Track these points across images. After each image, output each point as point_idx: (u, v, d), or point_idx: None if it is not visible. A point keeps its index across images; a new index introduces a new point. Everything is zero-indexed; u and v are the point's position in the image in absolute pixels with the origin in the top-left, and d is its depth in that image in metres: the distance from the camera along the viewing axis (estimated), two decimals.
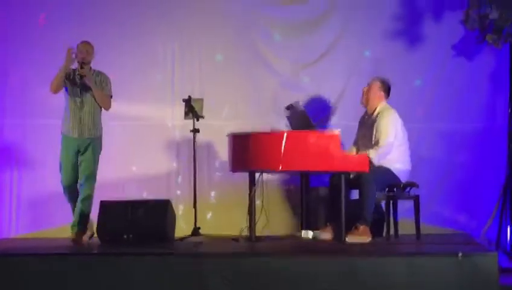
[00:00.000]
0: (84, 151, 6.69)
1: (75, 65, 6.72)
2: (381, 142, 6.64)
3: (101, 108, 6.80)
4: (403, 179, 6.76)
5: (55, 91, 6.69)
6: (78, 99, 6.70)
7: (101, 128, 6.84)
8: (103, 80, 6.80)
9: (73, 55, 6.58)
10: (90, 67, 6.77)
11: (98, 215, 6.52)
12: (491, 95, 7.77)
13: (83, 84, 6.67)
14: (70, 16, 7.81)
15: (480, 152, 7.75)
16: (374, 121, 6.79)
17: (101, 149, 6.82)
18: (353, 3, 7.88)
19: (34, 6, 7.85)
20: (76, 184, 6.73)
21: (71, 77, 6.69)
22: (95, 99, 6.70)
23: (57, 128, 6.99)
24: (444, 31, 7.75)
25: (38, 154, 7.76)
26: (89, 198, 6.66)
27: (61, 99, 6.96)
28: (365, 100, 6.90)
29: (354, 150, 6.98)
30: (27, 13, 7.84)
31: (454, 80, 7.77)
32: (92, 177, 6.68)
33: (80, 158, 6.70)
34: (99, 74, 6.82)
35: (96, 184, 6.92)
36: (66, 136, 6.75)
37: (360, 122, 7.05)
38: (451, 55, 7.77)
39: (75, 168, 6.72)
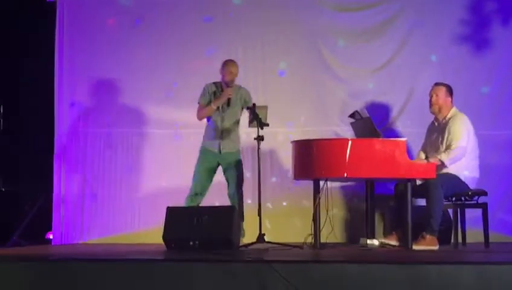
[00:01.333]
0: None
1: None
2: (454, 145, 6.55)
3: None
4: (471, 186, 6.65)
5: (202, 119, 7.11)
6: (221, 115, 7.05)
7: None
8: (245, 95, 7.12)
9: (226, 98, 6.96)
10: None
11: (165, 221, 6.56)
12: None
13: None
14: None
15: None
16: (445, 126, 6.69)
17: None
18: (419, 8, 7.83)
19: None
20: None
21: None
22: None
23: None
24: None
25: (104, 162, 7.93)
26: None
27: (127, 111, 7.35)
28: (437, 108, 6.80)
29: (422, 156, 6.90)
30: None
31: None
32: None
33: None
34: (239, 89, 7.13)
35: (162, 190, 7.41)
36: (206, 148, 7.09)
37: (429, 128, 6.96)
38: None
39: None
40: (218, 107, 7.04)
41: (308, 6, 7.95)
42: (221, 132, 7.07)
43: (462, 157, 6.56)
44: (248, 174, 7.52)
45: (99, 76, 8.07)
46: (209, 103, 7.06)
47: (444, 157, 6.52)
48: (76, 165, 8.00)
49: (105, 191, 7.96)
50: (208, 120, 7.15)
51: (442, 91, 6.81)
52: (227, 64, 7.06)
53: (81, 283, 5.33)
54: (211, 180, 7.12)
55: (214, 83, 7.15)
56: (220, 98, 7.02)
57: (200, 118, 7.14)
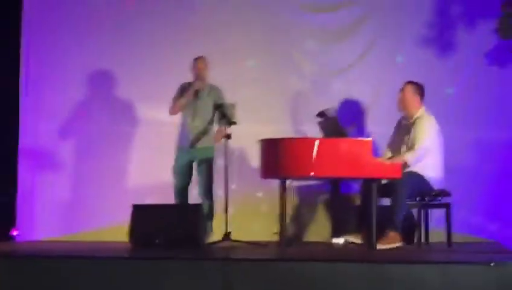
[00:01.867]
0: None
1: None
2: (416, 146, 6.63)
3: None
4: (435, 186, 6.74)
5: (175, 114, 7.21)
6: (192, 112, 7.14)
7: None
8: (215, 93, 7.22)
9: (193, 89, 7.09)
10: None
11: (130, 219, 6.56)
12: None
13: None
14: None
15: None
16: (411, 126, 6.77)
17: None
18: (386, 9, 7.89)
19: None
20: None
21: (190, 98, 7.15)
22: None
23: (85, 132, 7.61)
24: (477, 39, 7.71)
25: (70, 159, 7.91)
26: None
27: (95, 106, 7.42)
28: (402, 106, 6.89)
29: (388, 153, 6.97)
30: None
31: (487, 89, 7.73)
32: None
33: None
34: (210, 86, 7.23)
35: (129, 187, 7.45)
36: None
37: (396, 126, 7.03)
38: (484, 63, 7.73)
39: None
40: (190, 105, 7.10)
41: (277, 5, 7.99)
42: (192, 129, 7.12)
43: (425, 157, 6.64)
44: (217, 172, 7.52)
45: (67, 71, 8.02)
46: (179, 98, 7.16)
47: (407, 157, 6.59)
48: (42, 162, 7.96)
49: (71, 188, 7.93)
50: (182, 118, 7.21)
51: (408, 89, 6.89)
52: (195, 60, 7.19)
53: (46, 280, 5.32)
54: (190, 178, 7.19)
55: (188, 82, 7.23)
56: (188, 90, 7.05)
57: (172, 113, 7.19)
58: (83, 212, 7.90)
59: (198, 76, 7.13)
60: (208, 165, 7.15)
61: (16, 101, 7.99)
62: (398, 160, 6.58)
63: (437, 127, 6.77)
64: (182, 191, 7.17)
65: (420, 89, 6.89)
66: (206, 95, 7.15)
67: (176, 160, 7.22)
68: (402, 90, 6.89)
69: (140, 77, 7.98)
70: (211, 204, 7.12)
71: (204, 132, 7.17)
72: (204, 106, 7.12)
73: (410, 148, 6.67)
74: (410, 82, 6.92)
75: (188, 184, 7.21)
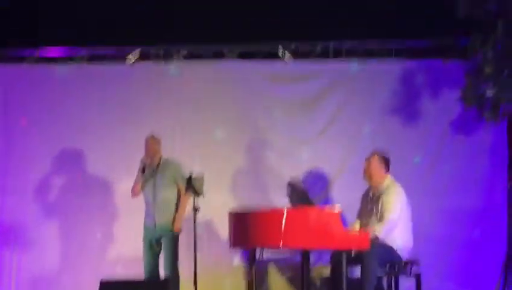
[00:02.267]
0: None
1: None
2: (386, 218, 6.62)
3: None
4: (405, 256, 6.72)
5: (136, 195, 7.24)
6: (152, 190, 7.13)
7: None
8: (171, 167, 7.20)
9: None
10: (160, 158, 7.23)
11: None
12: (490, 171, 7.81)
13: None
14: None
15: (481, 228, 7.76)
16: (379, 196, 6.78)
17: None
18: (352, 80, 7.98)
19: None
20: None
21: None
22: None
23: (55, 209, 7.47)
24: (442, 108, 7.84)
25: (37, 235, 7.80)
26: None
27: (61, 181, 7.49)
28: (368, 176, 6.90)
29: (358, 224, 6.95)
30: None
31: (453, 156, 7.82)
32: None
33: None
34: (165, 160, 7.25)
35: (94, 261, 7.45)
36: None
37: (364, 196, 7.02)
38: (450, 132, 7.83)
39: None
40: (148, 181, 7.14)
41: (242, 76, 8.04)
42: (154, 205, 7.12)
43: (394, 228, 6.64)
44: (184, 245, 7.45)
45: (33, 143, 7.97)
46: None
47: (377, 229, 6.59)
48: (6, 236, 7.82)
49: (37, 263, 7.79)
50: (144, 196, 7.22)
51: (374, 160, 6.90)
52: (146, 138, 7.24)
53: None
54: (157, 257, 7.14)
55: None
56: (138, 176, 7.15)
57: (132, 195, 7.23)
58: (51, 289, 7.75)
59: (147, 153, 7.17)
60: (172, 240, 7.10)
61: None
62: (368, 232, 6.56)
63: (404, 197, 6.78)
64: (151, 269, 7.10)
65: (385, 160, 6.92)
66: (161, 171, 7.15)
67: (144, 239, 7.18)
68: (368, 160, 6.92)
69: (109, 150, 7.94)
70: (176, 279, 7.02)
71: (167, 206, 7.13)
72: (162, 182, 7.13)
73: (380, 220, 6.67)
74: (375, 152, 6.96)
75: (157, 262, 7.14)
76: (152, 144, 7.20)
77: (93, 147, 7.96)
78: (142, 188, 7.16)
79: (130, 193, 7.21)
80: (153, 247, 7.11)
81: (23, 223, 7.87)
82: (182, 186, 7.02)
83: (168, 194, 7.13)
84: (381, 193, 6.79)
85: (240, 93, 8.04)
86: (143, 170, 7.09)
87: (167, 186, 7.11)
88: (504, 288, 7.36)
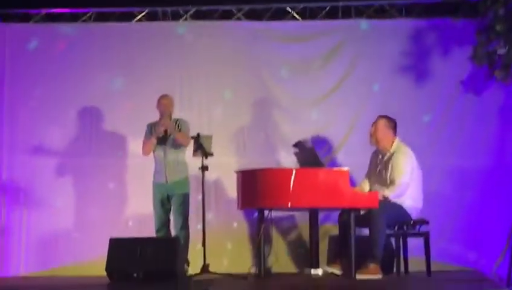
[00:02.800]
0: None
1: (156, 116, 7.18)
2: (397, 182, 6.61)
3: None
4: (414, 216, 6.72)
5: (148, 154, 7.18)
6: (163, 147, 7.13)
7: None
8: (182, 125, 7.16)
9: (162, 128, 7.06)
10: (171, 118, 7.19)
11: (108, 253, 6.49)
12: (500, 130, 7.76)
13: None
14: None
15: (489, 188, 7.72)
16: (389, 159, 6.75)
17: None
18: (362, 39, 7.93)
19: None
20: None
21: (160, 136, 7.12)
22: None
23: (65, 168, 7.48)
24: (453, 67, 7.78)
25: (47, 193, 7.83)
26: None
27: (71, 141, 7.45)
28: (375, 141, 6.88)
29: (366, 185, 6.95)
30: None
31: (463, 116, 7.78)
32: None
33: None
34: (177, 120, 7.20)
35: (105, 221, 7.52)
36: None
37: (372, 157, 7.01)
38: (460, 91, 7.78)
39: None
40: (159, 141, 7.09)
41: (252, 37, 8.00)
42: (165, 164, 7.10)
43: (405, 192, 6.63)
44: (193, 204, 7.47)
45: (42, 104, 7.97)
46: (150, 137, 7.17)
47: (387, 193, 6.58)
48: (17, 195, 7.87)
49: (47, 221, 7.83)
50: (154, 155, 7.19)
51: (381, 124, 6.87)
52: (159, 98, 7.22)
53: None
54: (169, 212, 7.16)
55: (152, 123, 7.24)
56: (156, 130, 7.08)
57: (144, 153, 7.19)
58: (60, 247, 7.79)
59: (164, 114, 7.13)
60: (183, 198, 7.12)
61: None
62: (378, 195, 6.54)
63: (414, 159, 6.75)
64: (162, 226, 7.12)
65: (392, 123, 6.88)
66: (174, 130, 7.12)
67: (154, 196, 7.18)
68: (374, 124, 6.88)
69: (117, 109, 7.93)
70: (187, 237, 7.07)
71: (178, 166, 7.13)
72: (173, 139, 7.09)
73: (390, 184, 6.65)
74: (382, 116, 6.92)
75: (168, 219, 7.17)
76: (166, 103, 7.17)
77: (100, 106, 7.94)
78: (153, 147, 7.14)
79: (141, 151, 7.18)
80: (164, 204, 7.12)
81: (33, 181, 7.90)
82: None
83: (179, 153, 7.12)
84: (390, 156, 6.76)
85: (248, 53, 7.99)
86: (166, 132, 7.06)
87: (179, 145, 7.09)
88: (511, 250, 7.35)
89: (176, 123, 7.13)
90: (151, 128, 7.19)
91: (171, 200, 7.14)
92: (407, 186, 6.63)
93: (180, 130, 7.02)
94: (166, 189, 7.13)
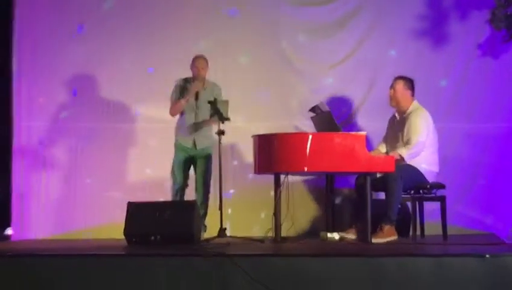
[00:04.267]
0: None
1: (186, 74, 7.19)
2: (413, 141, 6.61)
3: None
4: (430, 179, 6.73)
5: (175, 115, 7.18)
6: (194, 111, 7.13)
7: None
8: (217, 92, 7.18)
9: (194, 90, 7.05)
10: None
11: (126, 217, 6.54)
12: None
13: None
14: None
15: (506, 152, 7.70)
16: (405, 120, 6.75)
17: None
18: (378, 3, 7.88)
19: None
20: None
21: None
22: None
23: (80, 134, 7.64)
24: (470, 31, 7.74)
25: (64, 157, 7.90)
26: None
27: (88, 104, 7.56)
28: (395, 102, 6.87)
29: (382, 148, 6.96)
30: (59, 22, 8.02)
31: (480, 80, 7.74)
32: None
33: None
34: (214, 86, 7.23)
35: (124, 185, 7.67)
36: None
37: (390, 121, 7.01)
38: (477, 55, 7.75)
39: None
40: (190, 103, 7.08)
41: (269, 1, 7.97)
42: (194, 128, 7.12)
43: (421, 152, 6.63)
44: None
45: (60, 69, 7.99)
46: (180, 98, 7.11)
47: (403, 152, 6.58)
48: (36, 160, 7.93)
49: (66, 185, 7.91)
50: (181, 115, 7.19)
51: (400, 85, 6.86)
52: (194, 59, 7.16)
53: (42, 279, 5.31)
54: (188, 174, 7.20)
55: (184, 78, 7.20)
56: (189, 92, 7.05)
57: (173, 114, 7.19)
58: (78, 210, 7.87)
59: (198, 76, 7.10)
60: (207, 162, 7.16)
61: (9, 101, 7.94)
62: (393, 154, 6.56)
63: (431, 121, 6.75)
64: (180, 189, 7.16)
65: (410, 83, 6.87)
66: (207, 95, 7.11)
67: (176, 156, 7.20)
68: (392, 86, 6.87)
69: (133, 75, 7.95)
70: (206, 201, 7.12)
71: (206, 133, 7.17)
72: (206, 104, 7.06)
73: (406, 143, 6.66)
74: (399, 77, 6.90)
75: (186, 183, 7.21)
76: (199, 65, 7.12)
77: (118, 73, 7.96)
78: (182, 109, 7.12)
79: (169, 111, 7.17)
80: (186, 166, 7.16)
81: (51, 147, 7.95)
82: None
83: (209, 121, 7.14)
84: (406, 117, 6.76)
85: (264, 17, 7.96)
86: (197, 95, 7.04)
87: (209, 110, 7.07)
88: None
89: (213, 90, 7.14)
90: (180, 87, 7.16)
91: (194, 163, 7.17)
92: (423, 145, 6.62)
93: (215, 100, 6.89)
94: (192, 152, 7.16)
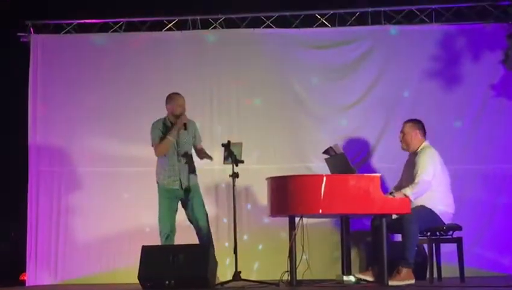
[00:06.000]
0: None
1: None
2: (417, 179, 6.56)
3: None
4: (446, 221, 6.67)
5: (163, 154, 6.95)
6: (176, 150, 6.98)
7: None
8: (195, 128, 7.11)
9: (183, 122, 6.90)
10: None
11: (140, 261, 6.51)
12: None
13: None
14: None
15: None
16: (414, 160, 6.72)
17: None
18: (391, 44, 7.93)
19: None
20: None
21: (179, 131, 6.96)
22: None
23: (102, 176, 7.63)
24: (483, 71, 7.75)
25: (83, 202, 7.94)
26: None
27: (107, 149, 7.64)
28: (405, 145, 6.85)
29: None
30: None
31: (494, 120, 7.73)
32: None
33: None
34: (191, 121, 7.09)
35: (136, 230, 7.56)
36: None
37: (405, 165, 6.98)
38: (491, 96, 7.75)
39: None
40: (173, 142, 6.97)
41: (281, 44, 8.03)
42: (179, 168, 6.99)
43: (426, 190, 6.56)
44: (224, 211, 7.47)
45: (72, 115, 8.05)
46: (163, 137, 6.95)
47: (407, 191, 6.52)
48: (50, 205, 7.94)
49: (79, 231, 7.90)
50: (163, 158, 7.01)
51: (408, 127, 6.84)
52: (175, 98, 7.00)
53: None
54: (175, 220, 7.01)
55: (159, 119, 7.07)
56: (176, 126, 6.92)
57: (159, 155, 6.98)
58: (94, 254, 7.86)
59: (181, 114, 6.94)
60: (200, 199, 7.03)
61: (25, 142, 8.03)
62: (399, 195, 6.51)
63: (439, 159, 6.69)
64: (171, 235, 6.95)
65: (419, 124, 6.84)
66: (185, 132, 7.00)
67: (162, 201, 6.99)
68: (402, 131, 6.86)
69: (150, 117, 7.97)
70: (211, 239, 7.01)
71: (190, 168, 7.03)
72: (186, 141, 7.01)
73: (412, 181, 6.61)
74: (408, 120, 6.89)
75: (175, 227, 6.99)
76: (182, 101, 7.00)
77: (129, 116, 8.00)
78: (167, 152, 6.96)
79: (156, 153, 6.98)
80: (174, 210, 6.99)
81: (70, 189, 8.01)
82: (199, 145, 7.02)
83: (190, 155, 7.03)
84: (414, 157, 6.73)
85: (277, 61, 8.01)
86: (185, 127, 6.90)
87: (190, 145, 7.00)
88: None
89: (191, 125, 7.04)
90: (159, 127, 6.99)
91: (186, 206, 7.01)
92: (429, 184, 6.56)
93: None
94: (180, 193, 6.99)
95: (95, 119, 8.06)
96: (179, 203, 7.03)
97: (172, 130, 6.92)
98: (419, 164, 6.62)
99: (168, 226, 6.96)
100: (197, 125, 7.14)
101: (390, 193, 6.64)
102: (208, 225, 7.03)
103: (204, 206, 7.04)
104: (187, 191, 6.99)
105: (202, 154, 7.03)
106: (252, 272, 7.50)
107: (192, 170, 7.03)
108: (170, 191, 6.99)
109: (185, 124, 6.91)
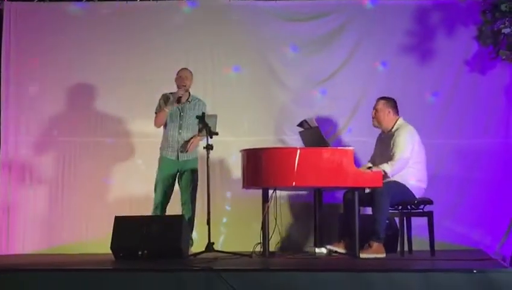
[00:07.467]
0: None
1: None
2: (396, 157, 6.62)
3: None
4: (418, 195, 6.73)
5: (160, 126, 7.20)
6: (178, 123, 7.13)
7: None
8: (200, 105, 7.23)
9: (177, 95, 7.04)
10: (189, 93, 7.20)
11: (113, 231, 6.51)
12: (505, 110, 7.76)
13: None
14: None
15: (494, 168, 7.73)
16: (390, 138, 6.76)
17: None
18: (366, 19, 7.92)
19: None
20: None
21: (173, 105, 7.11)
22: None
23: (68, 148, 7.70)
24: (457, 47, 7.78)
25: (51, 172, 7.88)
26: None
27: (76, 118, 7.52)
28: (377, 122, 6.90)
29: (370, 165, 6.95)
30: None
31: (468, 96, 7.78)
32: None
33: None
34: (199, 100, 7.26)
35: (110, 200, 7.46)
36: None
37: (377, 139, 7.03)
38: (465, 71, 7.78)
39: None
40: (173, 118, 7.10)
41: (257, 16, 7.99)
42: (178, 141, 7.10)
43: (404, 168, 6.63)
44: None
45: (47, 83, 7.98)
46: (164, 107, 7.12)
47: (386, 168, 6.58)
48: (23, 174, 7.90)
49: (52, 201, 7.87)
50: (166, 128, 7.18)
51: (380, 104, 6.87)
52: (179, 71, 7.19)
53: None
54: (173, 188, 7.17)
55: (168, 93, 7.19)
56: (171, 101, 7.05)
57: (156, 125, 7.19)
58: (64, 225, 7.84)
59: (181, 85, 7.10)
60: (193, 176, 7.15)
61: None
62: (377, 170, 6.56)
63: (417, 137, 6.76)
64: (159, 204, 7.11)
65: (392, 102, 6.88)
66: (192, 108, 7.14)
67: (160, 170, 7.17)
68: (374, 108, 6.89)
69: (121, 88, 7.94)
70: (192, 215, 7.10)
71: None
72: (191, 118, 7.09)
73: (390, 159, 6.66)
74: (381, 98, 6.92)
75: (169, 197, 7.17)
76: (182, 75, 7.13)
77: (103, 86, 7.97)
78: (166, 118, 7.12)
79: (153, 123, 7.17)
80: (169, 180, 7.12)
81: (38, 160, 7.94)
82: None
83: (195, 131, 7.12)
84: (392, 135, 6.77)
85: (253, 33, 7.98)
86: (178, 100, 7.02)
87: (195, 123, 7.07)
88: None
89: (197, 104, 7.18)
90: (163, 99, 7.16)
91: (179, 177, 7.15)
92: (407, 162, 6.63)
93: (203, 115, 6.88)
94: (177, 165, 7.14)
95: (65, 91, 7.99)
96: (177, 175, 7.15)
97: (169, 102, 7.04)
98: (398, 142, 6.66)
99: (158, 197, 7.10)
100: (203, 105, 7.22)
101: (369, 168, 6.69)
102: (192, 199, 7.11)
103: (194, 181, 7.12)
104: (184, 163, 7.08)
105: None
106: (224, 243, 7.54)
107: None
108: (166, 161, 7.12)
109: (179, 98, 6.98)
